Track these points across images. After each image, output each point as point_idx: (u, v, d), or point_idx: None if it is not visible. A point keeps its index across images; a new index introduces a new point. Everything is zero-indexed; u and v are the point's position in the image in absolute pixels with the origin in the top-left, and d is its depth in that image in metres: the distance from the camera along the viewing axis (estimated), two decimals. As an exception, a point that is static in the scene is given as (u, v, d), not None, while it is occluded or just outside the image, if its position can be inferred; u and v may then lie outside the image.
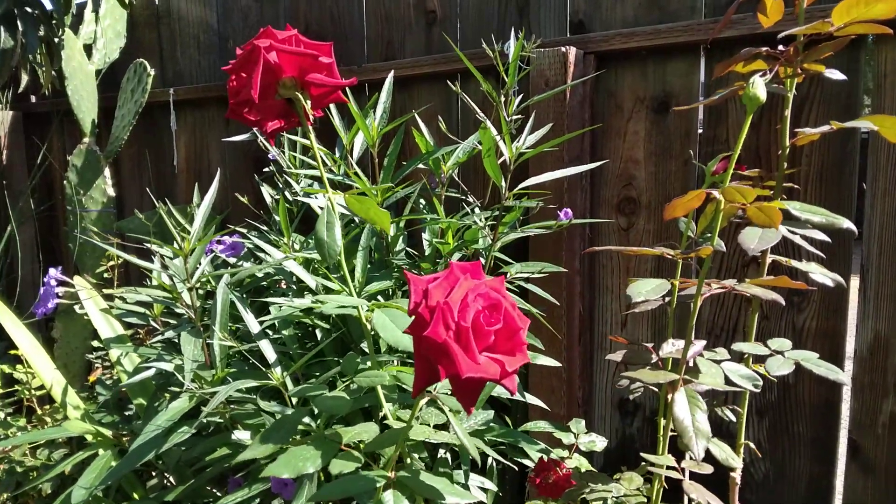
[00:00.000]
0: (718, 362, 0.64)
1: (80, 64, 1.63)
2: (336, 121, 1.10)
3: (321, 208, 0.69)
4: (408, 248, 1.12)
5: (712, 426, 0.63)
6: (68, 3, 1.54)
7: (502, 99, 0.93)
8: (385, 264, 1.03)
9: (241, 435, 0.86)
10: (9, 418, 1.14)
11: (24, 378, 1.14)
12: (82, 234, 1.65)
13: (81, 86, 1.65)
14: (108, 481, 0.80)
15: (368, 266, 1.04)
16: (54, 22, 1.56)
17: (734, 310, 1.16)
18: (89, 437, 0.92)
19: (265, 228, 1.22)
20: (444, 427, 0.72)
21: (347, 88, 0.99)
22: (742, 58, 0.70)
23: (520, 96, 1.04)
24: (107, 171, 1.72)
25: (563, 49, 1.16)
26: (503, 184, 0.92)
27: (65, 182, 1.69)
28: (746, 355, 0.71)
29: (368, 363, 0.71)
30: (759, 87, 0.54)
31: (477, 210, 1.13)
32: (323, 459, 0.57)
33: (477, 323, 0.48)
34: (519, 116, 0.95)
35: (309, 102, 0.54)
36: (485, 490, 0.96)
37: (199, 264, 0.90)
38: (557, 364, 1.05)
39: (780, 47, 0.71)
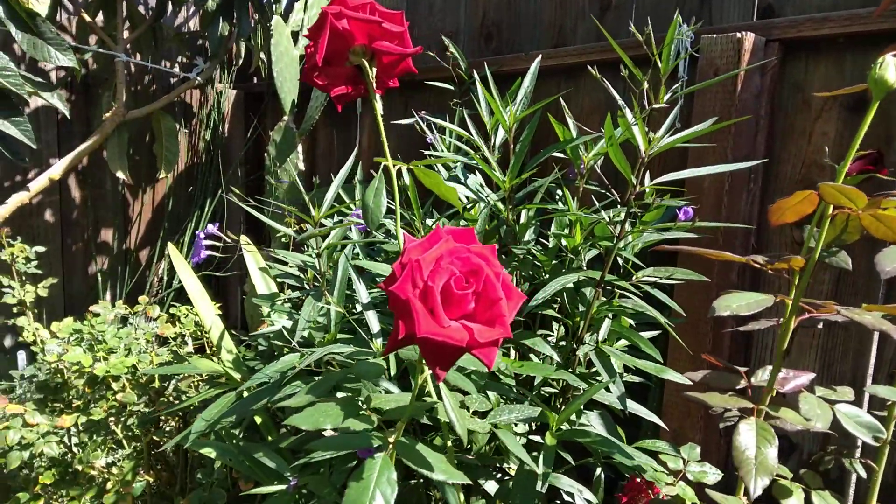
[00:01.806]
0: (832, 402, 0.53)
1: (287, 49, 1.81)
2: (482, 105, 1.09)
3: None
4: (541, 240, 1.08)
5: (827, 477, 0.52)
6: (278, -7, 1.72)
7: (645, 86, 0.85)
8: (507, 252, 1.01)
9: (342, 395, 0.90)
10: (184, 354, 1.32)
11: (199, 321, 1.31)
12: (275, 204, 1.84)
13: (286, 68, 1.83)
14: (226, 418, 0.89)
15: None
16: (266, 10, 1.75)
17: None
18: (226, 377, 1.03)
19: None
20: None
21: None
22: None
23: (676, 84, 0.95)
24: (300, 148, 1.89)
25: (738, 35, 1.03)
26: (632, 177, 0.84)
27: (265, 155, 1.89)
28: (889, 402, 0.58)
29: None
30: (889, 70, 0.43)
31: (618, 207, 1.06)
32: (343, 418, 0.58)
33: (447, 286, 0.46)
34: (664, 106, 0.87)
35: (375, 70, 0.55)
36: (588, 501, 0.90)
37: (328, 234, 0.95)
38: (689, 382, 0.94)
39: None
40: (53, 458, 1.26)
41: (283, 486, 0.87)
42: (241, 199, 1.75)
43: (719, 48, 1.05)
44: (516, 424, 0.85)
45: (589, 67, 0.90)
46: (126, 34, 1.76)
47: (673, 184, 0.89)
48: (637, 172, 0.85)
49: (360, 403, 0.62)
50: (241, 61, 2.08)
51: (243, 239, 1.20)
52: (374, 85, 0.56)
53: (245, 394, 1.02)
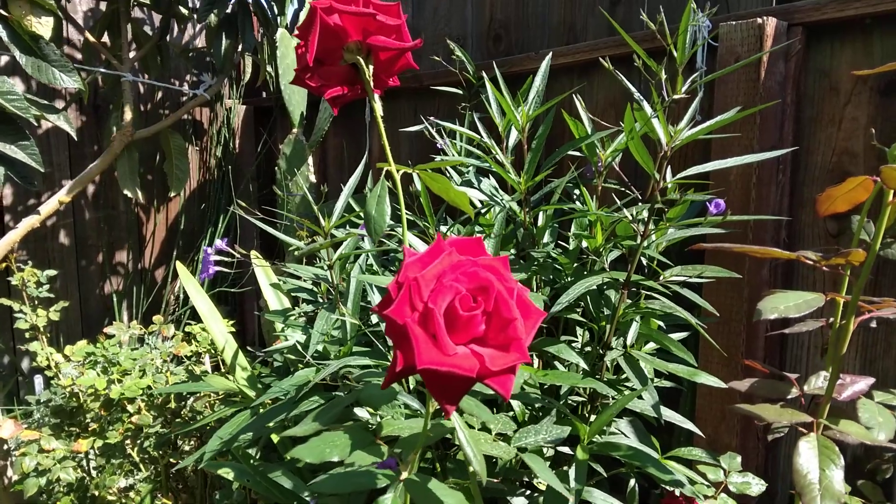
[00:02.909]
0: (892, 408, 0.48)
1: (293, 61, 1.79)
2: (493, 107, 1.06)
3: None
4: (560, 243, 1.04)
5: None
6: (282, 5, 1.70)
7: (663, 76, 0.81)
8: (525, 257, 0.97)
9: (360, 412, 0.86)
10: (199, 372, 1.29)
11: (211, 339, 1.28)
12: (287, 217, 1.82)
13: (293, 81, 1.82)
14: (241, 436, 0.86)
15: (511, 256, 0.99)
16: (271, 23, 1.73)
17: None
18: (243, 394, 1.00)
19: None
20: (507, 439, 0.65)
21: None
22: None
23: (695, 74, 0.91)
24: (310, 160, 1.87)
25: (760, 20, 0.99)
26: (654, 172, 0.80)
27: (276, 168, 1.87)
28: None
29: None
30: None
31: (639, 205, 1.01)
32: (351, 449, 0.54)
33: (452, 307, 0.40)
34: (684, 96, 0.82)
35: (371, 68, 0.51)
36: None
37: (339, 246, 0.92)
38: (723, 385, 0.90)
39: None
40: (70, 484, 1.24)
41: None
42: (249, 213, 1.73)
43: (740, 35, 1.01)
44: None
45: (601, 60, 0.86)
46: (132, 54, 1.76)
47: (697, 179, 0.85)
48: (659, 167, 0.81)
49: (370, 430, 0.58)
50: (248, 76, 2.07)
51: (253, 254, 1.18)
52: (372, 84, 0.52)
53: (261, 411, 0.99)
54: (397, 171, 0.54)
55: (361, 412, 0.86)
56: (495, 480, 0.67)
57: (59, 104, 1.88)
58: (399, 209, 0.55)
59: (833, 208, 0.44)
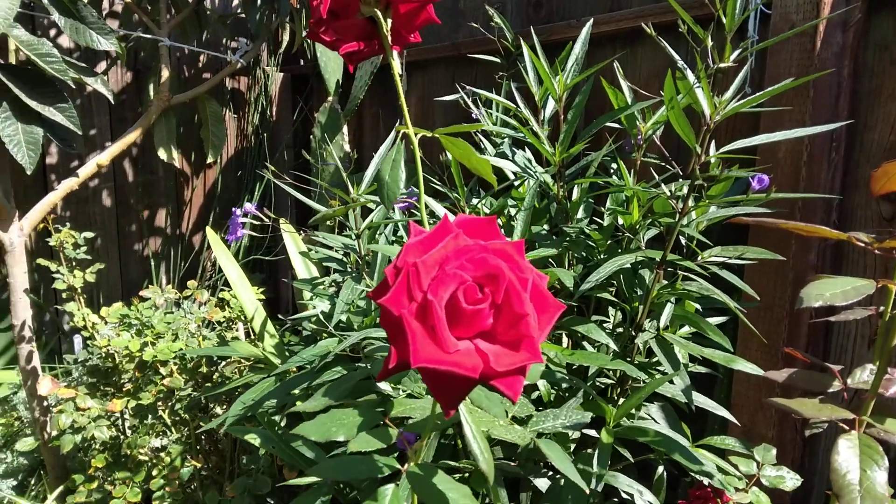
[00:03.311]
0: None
1: (330, 27, 1.77)
2: (530, 75, 1.02)
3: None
4: (594, 219, 1.01)
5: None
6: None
7: (709, 43, 0.76)
8: (558, 232, 0.93)
9: (384, 385, 0.85)
10: (230, 338, 1.30)
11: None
12: (320, 186, 1.81)
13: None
14: (265, 402, 0.86)
15: (543, 231, 0.96)
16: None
17: None
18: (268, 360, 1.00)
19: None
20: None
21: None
22: None
23: (745, 42, 0.85)
24: (345, 129, 1.85)
25: (818, -15, 0.92)
26: (696, 145, 0.76)
27: (311, 137, 1.86)
28: None
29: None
30: None
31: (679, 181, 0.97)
32: (358, 429, 0.52)
33: (454, 298, 0.36)
34: (731, 65, 0.77)
35: (390, 22, 0.48)
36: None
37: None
38: (762, 373, 0.86)
39: None
40: (104, 442, 1.27)
41: (322, 479, 0.83)
42: (278, 178, 1.73)
43: (795, 1, 0.95)
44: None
45: (645, 26, 0.81)
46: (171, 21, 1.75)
47: (742, 154, 0.80)
48: (701, 140, 0.77)
49: (380, 410, 0.56)
50: (286, 43, 2.05)
51: (283, 221, 1.17)
52: (390, 40, 0.49)
53: (288, 377, 0.99)
54: (415, 134, 0.51)
55: (385, 385, 0.85)
56: (513, 463, 0.65)
57: (102, 68, 1.90)
58: (417, 175, 0.52)
59: (889, 186, 0.40)
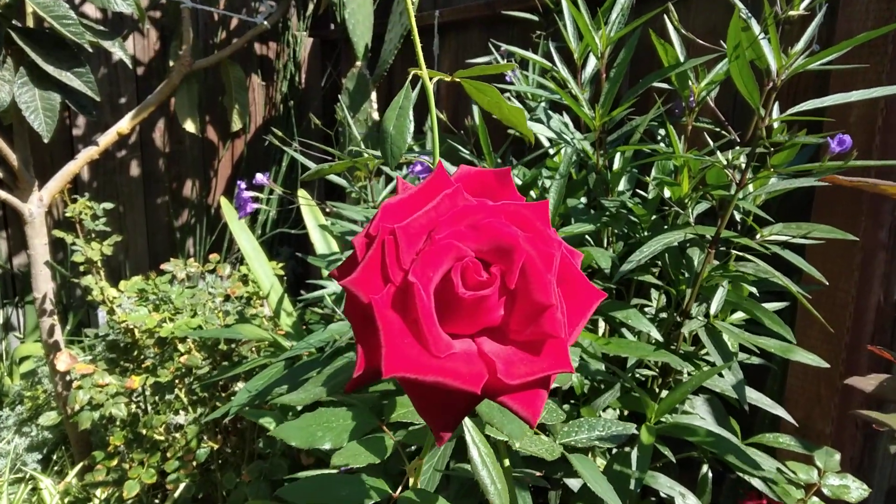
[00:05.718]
0: None
1: (358, -12, 1.68)
2: (569, 30, 0.92)
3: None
4: (638, 191, 0.91)
5: None
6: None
7: (779, -13, 0.65)
8: (597, 206, 0.84)
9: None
10: (249, 315, 1.25)
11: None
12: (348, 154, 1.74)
13: (358, 9, 1.70)
14: (272, 390, 0.80)
15: (580, 206, 0.87)
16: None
17: None
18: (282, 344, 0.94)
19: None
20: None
21: None
22: None
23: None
24: (373, 95, 1.77)
25: (907, -80, 0.79)
26: (759, 106, 0.65)
27: (336, 106, 1.78)
28: None
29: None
30: None
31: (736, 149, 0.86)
32: (350, 435, 0.45)
33: (448, 280, 0.25)
34: (803, 13, 0.66)
35: None
36: None
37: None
38: (825, 365, 0.76)
39: None
40: (123, 420, 1.24)
41: (334, 471, 0.77)
42: (307, 147, 1.66)
43: (878, -59, 0.82)
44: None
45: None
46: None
47: (810, 117, 0.69)
48: (765, 101, 0.66)
49: (375, 414, 0.48)
50: (312, 6, 1.97)
51: (300, 193, 1.10)
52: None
53: (304, 359, 0.93)
54: (430, 78, 0.43)
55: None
56: (538, 474, 0.57)
57: (129, 41, 1.85)
58: (432, 120, 0.44)
59: None
